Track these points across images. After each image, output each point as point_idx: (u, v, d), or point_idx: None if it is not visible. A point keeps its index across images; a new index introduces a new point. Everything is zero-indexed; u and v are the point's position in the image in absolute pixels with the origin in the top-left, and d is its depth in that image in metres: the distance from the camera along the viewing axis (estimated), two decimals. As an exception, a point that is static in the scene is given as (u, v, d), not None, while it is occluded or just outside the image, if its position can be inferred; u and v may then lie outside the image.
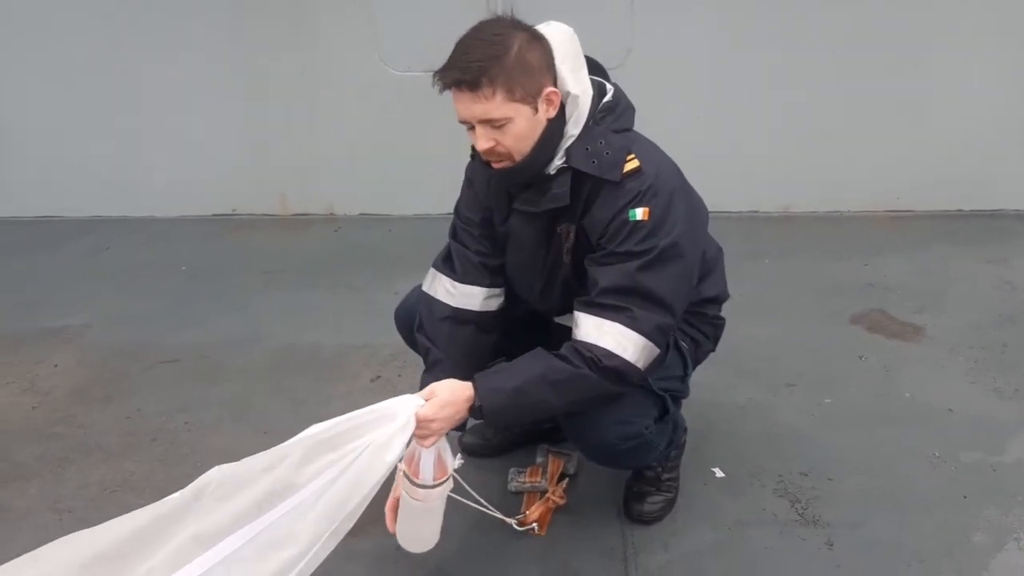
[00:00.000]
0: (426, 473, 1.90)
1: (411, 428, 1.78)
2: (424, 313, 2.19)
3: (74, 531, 2.34)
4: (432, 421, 1.83)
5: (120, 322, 3.53)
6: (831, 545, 2.27)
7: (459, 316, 2.15)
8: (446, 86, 1.84)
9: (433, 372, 2.12)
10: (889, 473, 2.52)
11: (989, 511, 2.37)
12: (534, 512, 2.23)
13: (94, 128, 4.41)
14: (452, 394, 1.88)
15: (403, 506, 1.98)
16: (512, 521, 2.18)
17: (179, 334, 3.41)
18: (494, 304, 2.19)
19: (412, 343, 2.30)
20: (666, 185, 1.93)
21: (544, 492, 2.32)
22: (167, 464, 2.65)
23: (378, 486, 1.74)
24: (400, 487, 1.95)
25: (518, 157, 1.90)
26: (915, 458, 2.58)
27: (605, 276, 1.93)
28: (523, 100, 1.83)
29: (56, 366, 3.20)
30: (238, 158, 4.43)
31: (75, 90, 4.36)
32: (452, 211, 2.24)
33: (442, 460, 1.91)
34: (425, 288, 2.22)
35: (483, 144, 1.88)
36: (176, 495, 1.74)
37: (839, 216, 4.31)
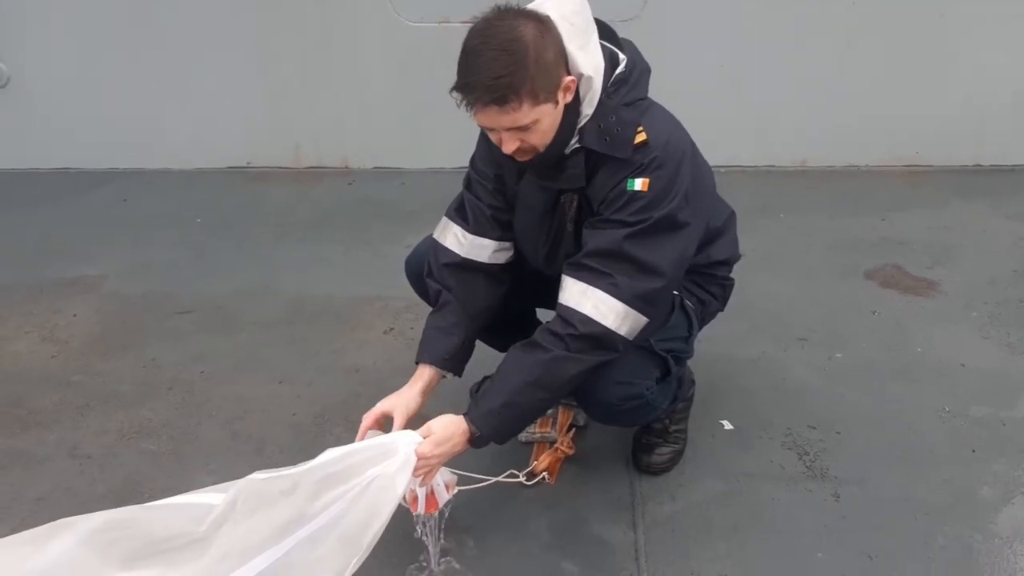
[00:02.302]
0: (420, 505, 1.98)
1: (412, 464, 1.86)
2: (432, 259, 2.20)
3: (92, 476, 2.43)
4: (431, 457, 1.88)
5: (137, 273, 3.55)
6: (838, 497, 2.29)
7: (467, 265, 2.16)
8: (472, 106, 1.80)
9: (442, 312, 2.14)
10: (898, 427, 2.53)
11: (998, 465, 2.38)
12: (542, 462, 2.26)
13: (111, 81, 4.40)
14: (447, 430, 1.92)
15: None
16: (521, 476, 2.21)
17: (195, 285, 3.44)
18: (503, 257, 2.19)
19: (421, 291, 2.31)
20: (672, 158, 1.92)
21: (553, 442, 2.35)
22: (183, 412, 2.69)
23: (387, 520, 1.83)
24: None
25: (542, 148, 1.89)
26: (924, 412, 2.59)
27: (593, 239, 1.94)
28: (546, 100, 1.81)
29: (75, 316, 3.24)
30: (253, 111, 4.42)
31: (93, 43, 4.34)
32: (465, 165, 2.23)
33: (434, 495, 1.98)
34: (436, 235, 2.22)
35: (510, 147, 1.87)
36: (216, 498, 1.88)
37: (856, 171, 4.26)
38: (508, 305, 2.24)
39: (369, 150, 4.46)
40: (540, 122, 1.83)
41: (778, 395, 2.68)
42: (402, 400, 2.05)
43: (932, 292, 3.22)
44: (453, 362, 2.12)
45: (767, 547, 2.15)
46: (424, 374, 2.10)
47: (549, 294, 2.13)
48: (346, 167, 4.50)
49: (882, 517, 2.22)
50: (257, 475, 1.90)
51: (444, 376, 2.14)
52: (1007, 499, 2.27)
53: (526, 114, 1.79)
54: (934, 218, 3.78)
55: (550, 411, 2.46)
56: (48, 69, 4.41)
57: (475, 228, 2.16)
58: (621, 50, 1.97)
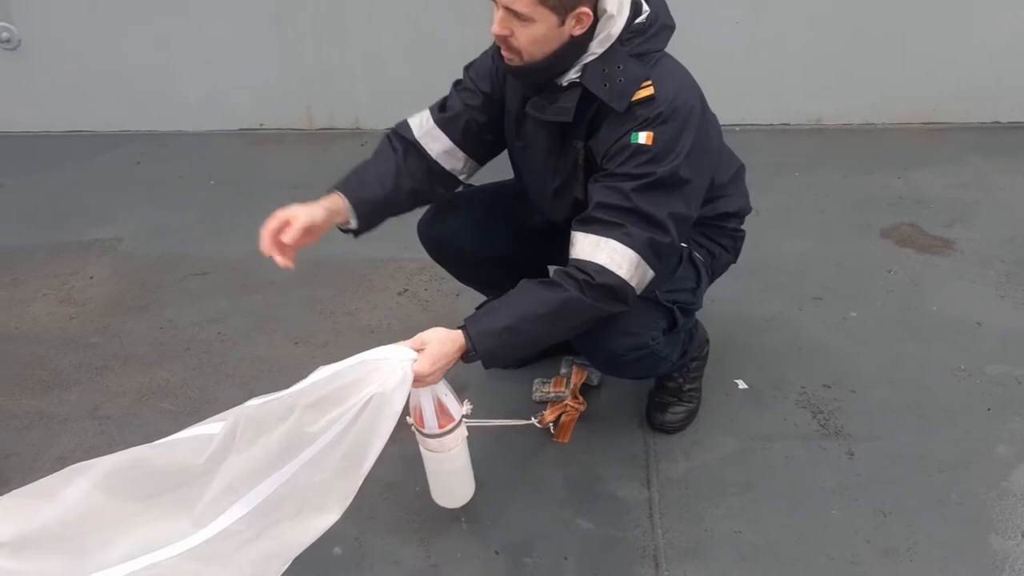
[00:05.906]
0: (430, 421, 1.93)
1: (409, 381, 1.81)
2: (392, 130, 2.21)
3: (113, 436, 2.46)
4: (428, 375, 1.84)
5: (152, 235, 3.57)
6: (852, 455, 2.29)
7: (415, 148, 2.16)
8: None
9: (380, 162, 2.15)
10: (913, 385, 2.53)
11: (1013, 423, 2.38)
12: (551, 414, 2.28)
13: (124, 42, 4.39)
14: (443, 345, 1.86)
15: (425, 460, 2.02)
16: (534, 420, 2.23)
17: (210, 247, 3.45)
18: (448, 164, 2.18)
19: (435, 255, 2.32)
20: (679, 114, 1.89)
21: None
22: (201, 373, 2.71)
23: (387, 437, 1.79)
24: (419, 442, 2.00)
25: (526, 58, 1.88)
26: (940, 371, 2.58)
27: (601, 194, 1.92)
28: (554, 9, 1.79)
29: (92, 278, 3.26)
30: (265, 73, 4.41)
31: (104, 4, 4.32)
32: None
33: (444, 406, 1.94)
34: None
35: (498, 29, 1.85)
36: (215, 429, 1.84)
37: (872, 128, 4.22)
38: (509, 268, 2.23)
39: (380, 111, 4.41)
40: (534, 26, 1.81)
41: (793, 354, 2.68)
42: (304, 209, 2.02)
43: (949, 251, 3.20)
44: (364, 210, 2.09)
45: (781, 505, 2.16)
46: (335, 201, 2.07)
47: (554, 248, 2.12)
48: (358, 128, 4.49)
49: (896, 474, 2.23)
50: (252, 402, 1.88)
51: (348, 225, 2.12)
52: (1022, 457, 2.27)
53: (526, 3, 1.78)
54: (951, 176, 3.74)
55: (564, 371, 2.47)
56: (59, 31, 4.40)
57: (440, 120, 2.16)
58: (647, 2, 1.95)
